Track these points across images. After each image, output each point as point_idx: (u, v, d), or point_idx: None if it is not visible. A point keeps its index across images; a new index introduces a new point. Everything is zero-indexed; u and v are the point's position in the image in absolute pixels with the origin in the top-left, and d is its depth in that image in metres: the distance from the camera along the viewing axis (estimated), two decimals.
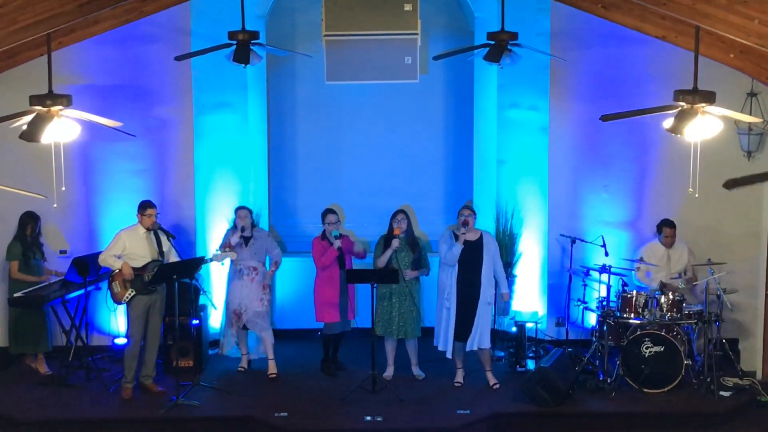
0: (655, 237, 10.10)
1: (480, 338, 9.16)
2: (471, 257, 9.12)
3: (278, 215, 11.14)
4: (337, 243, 9.46)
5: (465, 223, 9.13)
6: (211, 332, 10.27)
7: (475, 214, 9.27)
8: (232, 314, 9.64)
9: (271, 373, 9.67)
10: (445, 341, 9.21)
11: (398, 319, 9.36)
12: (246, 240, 9.59)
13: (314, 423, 8.61)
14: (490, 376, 9.37)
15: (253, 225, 9.74)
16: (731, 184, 6.96)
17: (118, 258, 8.94)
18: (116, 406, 8.94)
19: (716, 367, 9.25)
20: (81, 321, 9.68)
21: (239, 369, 9.83)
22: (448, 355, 9.24)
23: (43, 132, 6.98)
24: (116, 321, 9.94)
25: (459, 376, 9.45)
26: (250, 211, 9.73)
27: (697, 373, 9.36)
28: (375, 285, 9.22)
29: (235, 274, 9.65)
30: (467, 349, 9.23)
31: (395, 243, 9.25)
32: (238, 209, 9.71)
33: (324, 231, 9.63)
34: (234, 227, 9.68)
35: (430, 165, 11.13)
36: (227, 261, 9.60)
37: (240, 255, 9.55)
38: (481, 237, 9.23)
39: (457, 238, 9.13)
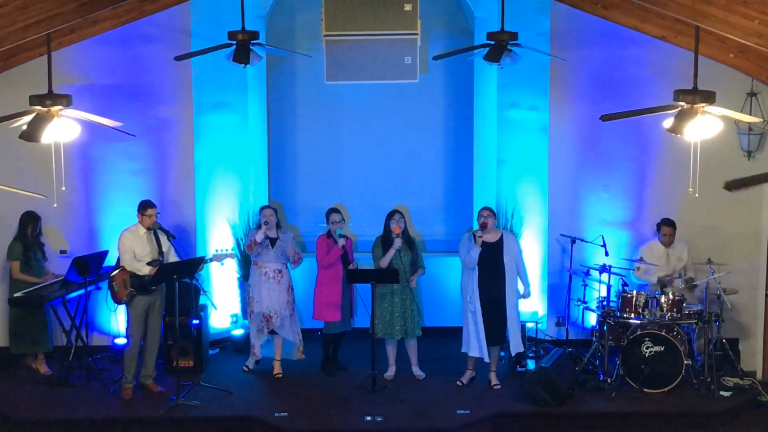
0: (655, 236, 10.10)
1: (516, 342, 9.19)
2: (491, 259, 9.08)
3: (278, 215, 11.12)
4: (342, 241, 9.46)
5: (484, 225, 9.10)
6: (212, 332, 10.27)
7: (494, 215, 9.25)
8: (262, 318, 9.50)
9: (277, 373, 9.66)
10: (478, 346, 9.11)
11: (400, 319, 9.36)
12: (272, 241, 9.50)
13: (314, 423, 8.61)
14: (493, 376, 9.37)
15: (279, 226, 9.65)
16: (733, 186, 6.93)
17: (139, 261, 8.92)
18: (116, 406, 8.93)
19: (716, 367, 9.25)
20: (81, 321, 9.68)
21: (244, 369, 9.80)
22: (486, 359, 9.17)
23: (43, 132, 6.98)
24: (116, 321, 9.94)
25: (466, 377, 9.43)
26: (275, 211, 9.60)
27: (697, 373, 9.36)
28: (376, 285, 9.23)
29: (260, 278, 9.51)
30: (513, 353, 9.27)
31: (398, 242, 9.25)
32: (263, 208, 9.58)
33: (329, 230, 9.62)
34: (258, 225, 9.57)
35: (430, 165, 11.13)
36: (227, 261, 9.59)
37: (266, 257, 9.46)
38: (501, 238, 9.21)
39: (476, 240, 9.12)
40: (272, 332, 9.59)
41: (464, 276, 9.22)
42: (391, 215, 9.39)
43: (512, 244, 9.28)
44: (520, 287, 9.34)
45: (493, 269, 9.11)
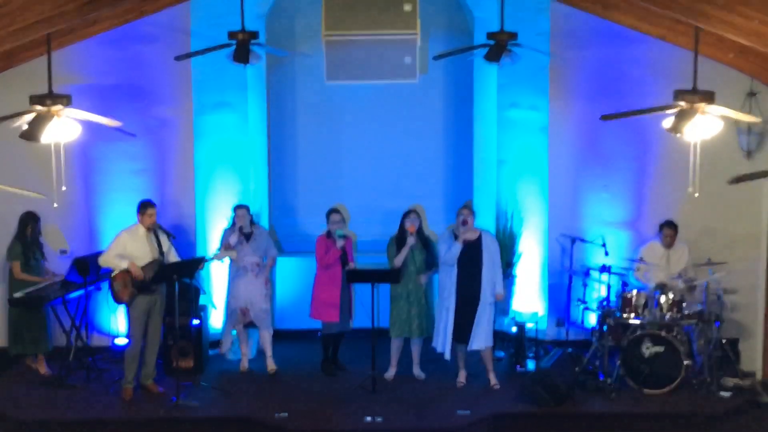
0: (655, 236, 10.10)
1: (480, 338, 9.15)
2: (470, 257, 9.11)
3: (278, 215, 11.14)
4: (341, 242, 9.47)
5: (464, 223, 9.12)
6: (212, 332, 10.27)
7: (474, 213, 9.27)
8: (238, 312, 9.63)
9: (271, 369, 9.69)
10: (443, 342, 9.19)
11: (416, 318, 9.37)
12: (247, 237, 9.61)
13: (314, 423, 8.61)
14: (491, 376, 9.37)
15: (253, 222, 9.75)
16: (736, 180, 6.99)
17: (122, 258, 8.91)
18: (116, 407, 8.94)
19: (716, 368, 9.25)
20: (81, 321, 9.69)
21: (241, 369, 9.82)
22: (447, 357, 9.24)
23: (43, 132, 6.98)
24: (116, 321, 9.94)
25: (461, 377, 9.45)
26: (248, 209, 9.73)
27: (697, 374, 9.35)
28: (375, 285, 9.22)
29: (238, 272, 9.64)
30: (468, 349, 9.23)
31: (411, 240, 9.25)
32: (236, 208, 9.72)
33: (328, 230, 9.63)
34: (232, 226, 9.69)
35: (430, 165, 11.13)
36: (227, 259, 9.60)
37: (242, 252, 9.57)
38: (480, 237, 9.22)
39: (456, 237, 9.13)
40: (251, 324, 9.64)
41: (442, 273, 9.24)
42: (406, 214, 9.39)
43: (491, 243, 9.28)
44: (498, 288, 9.33)
45: (472, 267, 9.11)
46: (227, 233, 9.69)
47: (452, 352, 9.25)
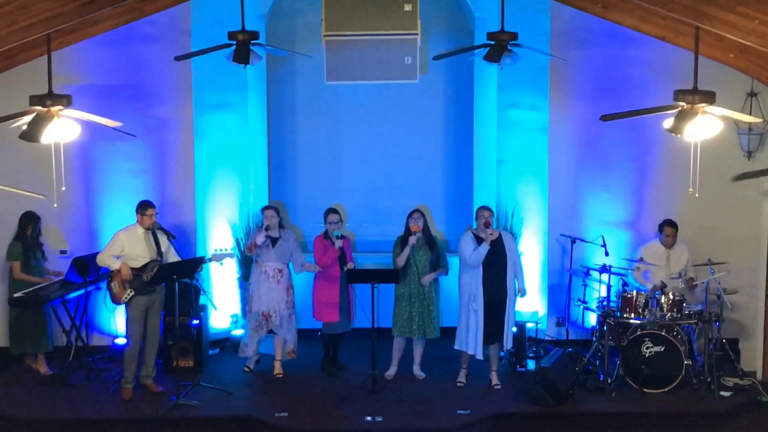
0: (655, 236, 10.10)
1: (510, 338, 9.25)
2: (494, 257, 9.09)
3: (280, 214, 11.12)
4: (339, 243, 9.46)
5: (487, 225, 9.10)
6: (212, 332, 10.27)
7: (494, 213, 9.28)
8: (260, 317, 9.53)
9: (278, 373, 9.67)
10: (474, 344, 9.15)
11: (418, 318, 9.37)
12: (273, 241, 9.50)
13: (314, 423, 8.61)
14: (494, 375, 9.38)
15: (281, 226, 9.66)
16: (740, 177, 7.02)
17: (117, 258, 8.93)
18: (116, 406, 8.94)
19: (716, 367, 9.25)
20: (81, 321, 9.69)
21: (245, 369, 9.81)
22: (479, 357, 9.21)
23: (43, 132, 6.98)
24: (116, 321, 9.93)
25: (461, 376, 9.45)
26: (277, 211, 9.60)
27: (697, 373, 9.36)
28: (376, 285, 9.22)
29: (260, 276, 9.54)
30: (505, 350, 9.27)
31: (412, 240, 9.25)
32: (264, 209, 9.61)
33: (326, 230, 9.62)
34: (260, 227, 9.62)
35: (430, 165, 11.13)
36: (226, 261, 9.58)
37: (266, 256, 9.47)
38: (500, 236, 9.22)
39: (477, 238, 9.11)
40: (271, 331, 9.60)
41: (465, 275, 9.21)
42: (410, 214, 9.39)
43: (511, 242, 9.31)
44: (521, 284, 9.39)
45: (496, 267, 9.12)
46: (254, 232, 9.60)
47: (457, 352, 9.27)
